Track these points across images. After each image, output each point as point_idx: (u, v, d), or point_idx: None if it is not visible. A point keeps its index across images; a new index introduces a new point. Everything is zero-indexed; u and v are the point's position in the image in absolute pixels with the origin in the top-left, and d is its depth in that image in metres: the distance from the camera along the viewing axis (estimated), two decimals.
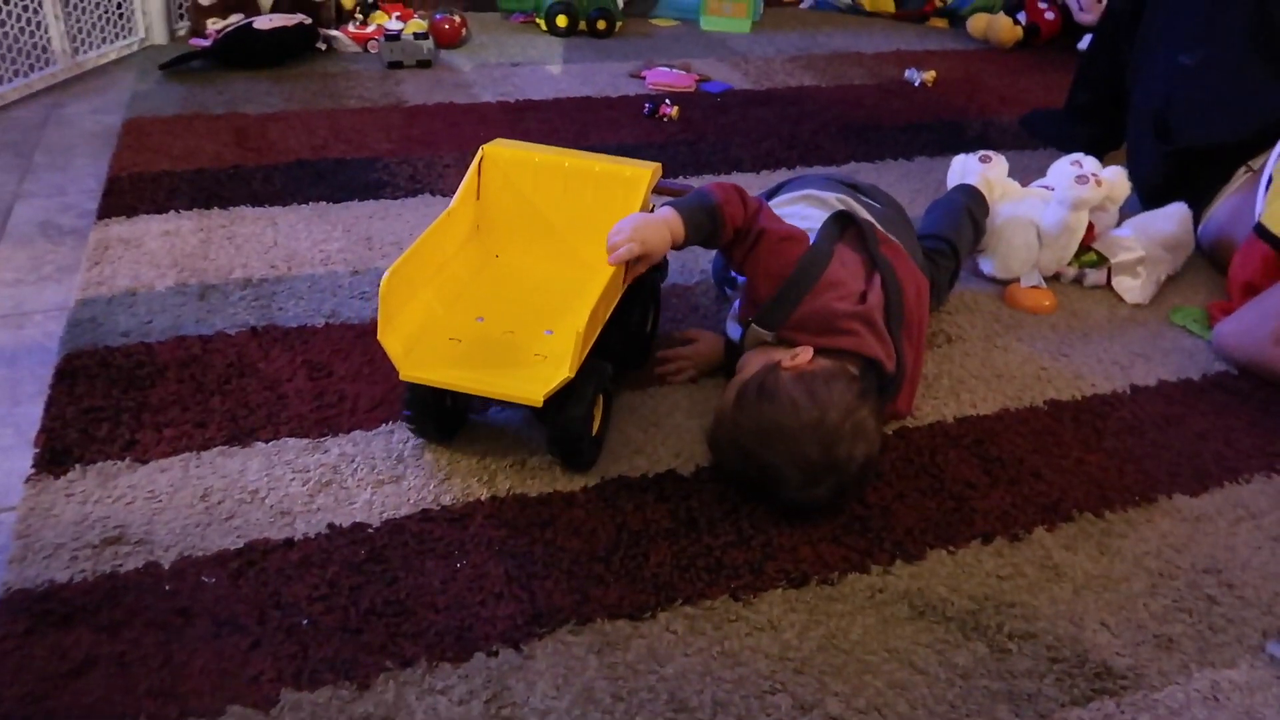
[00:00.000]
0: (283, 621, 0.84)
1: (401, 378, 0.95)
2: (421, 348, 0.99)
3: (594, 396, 0.99)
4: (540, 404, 0.92)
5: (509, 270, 1.14)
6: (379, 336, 0.94)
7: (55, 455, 1.00)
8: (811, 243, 1.09)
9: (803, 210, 1.21)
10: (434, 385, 0.96)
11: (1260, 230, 1.35)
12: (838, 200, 1.21)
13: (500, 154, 1.15)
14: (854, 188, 1.28)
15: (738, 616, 0.88)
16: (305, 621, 0.84)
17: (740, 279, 1.15)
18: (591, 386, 0.98)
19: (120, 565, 0.88)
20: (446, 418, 1.04)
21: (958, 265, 1.35)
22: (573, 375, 0.93)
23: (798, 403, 0.95)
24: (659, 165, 1.14)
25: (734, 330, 1.14)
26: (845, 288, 1.05)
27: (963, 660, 0.85)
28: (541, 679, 0.81)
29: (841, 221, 1.14)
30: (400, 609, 0.85)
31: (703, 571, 0.92)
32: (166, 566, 0.88)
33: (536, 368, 0.98)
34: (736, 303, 1.15)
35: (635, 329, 1.15)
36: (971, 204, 1.42)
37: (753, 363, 1.05)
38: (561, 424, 0.97)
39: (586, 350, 0.96)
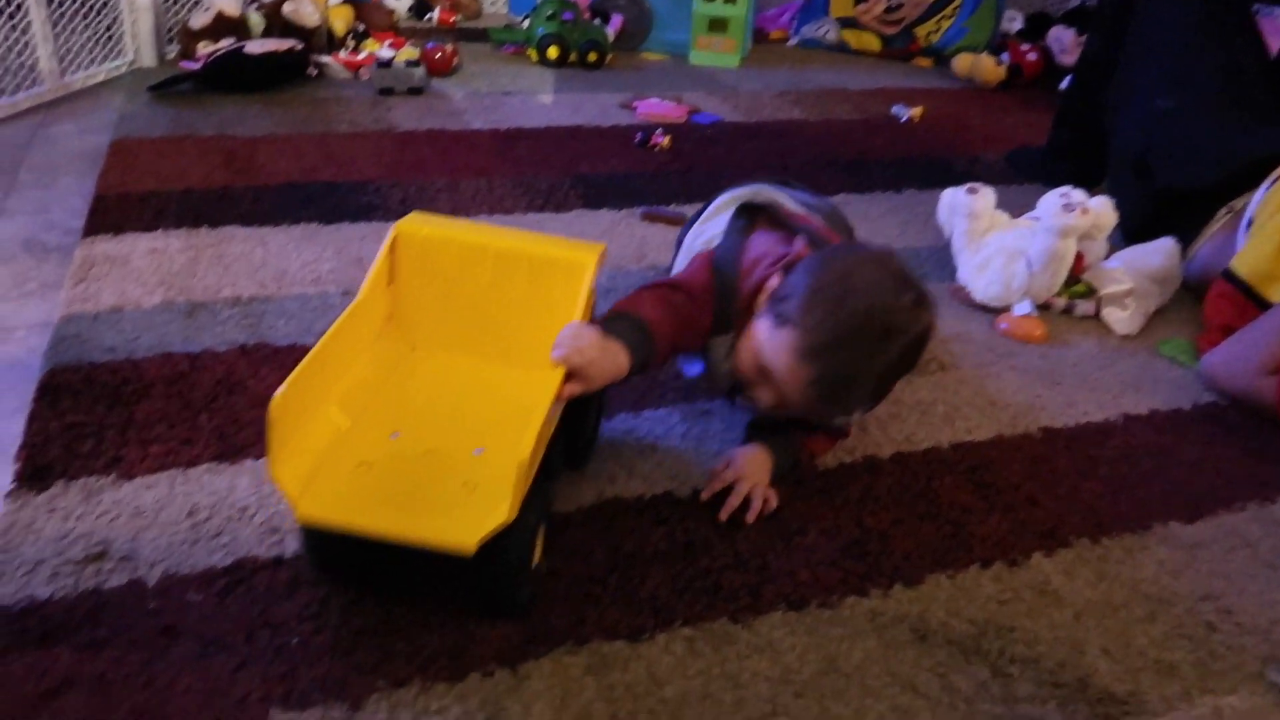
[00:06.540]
0: (272, 641, 0.81)
1: (297, 520, 0.78)
2: (324, 477, 0.81)
3: (536, 529, 0.84)
4: (473, 552, 0.75)
5: (427, 369, 0.97)
6: (270, 471, 0.77)
7: (37, 471, 0.97)
8: (717, 246, 1.04)
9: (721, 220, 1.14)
10: (339, 529, 0.78)
11: (1228, 274, 1.37)
12: (757, 190, 1.16)
13: (417, 232, 0.97)
14: (783, 184, 1.26)
15: (737, 639, 0.86)
16: (295, 641, 0.81)
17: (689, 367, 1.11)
18: (534, 518, 0.83)
19: (103, 582, 0.85)
20: (356, 558, 0.86)
21: None
22: (512, 519, 0.76)
23: (867, 260, 0.94)
24: (604, 246, 0.98)
25: (692, 368, 1.10)
26: (767, 258, 1.01)
27: (965, 685, 0.84)
28: (539, 700, 0.79)
29: (748, 212, 1.06)
30: (393, 628, 0.83)
31: (701, 594, 0.90)
32: (151, 584, 0.86)
33: (465, 504, 0.80)
34: (686, 367, 1.13)
35: (574, 430, 0.99)
36: None
37: (747, 338, 0.96)
38: (497, 567, 0.81)
39: (528, 484, 0.80)
